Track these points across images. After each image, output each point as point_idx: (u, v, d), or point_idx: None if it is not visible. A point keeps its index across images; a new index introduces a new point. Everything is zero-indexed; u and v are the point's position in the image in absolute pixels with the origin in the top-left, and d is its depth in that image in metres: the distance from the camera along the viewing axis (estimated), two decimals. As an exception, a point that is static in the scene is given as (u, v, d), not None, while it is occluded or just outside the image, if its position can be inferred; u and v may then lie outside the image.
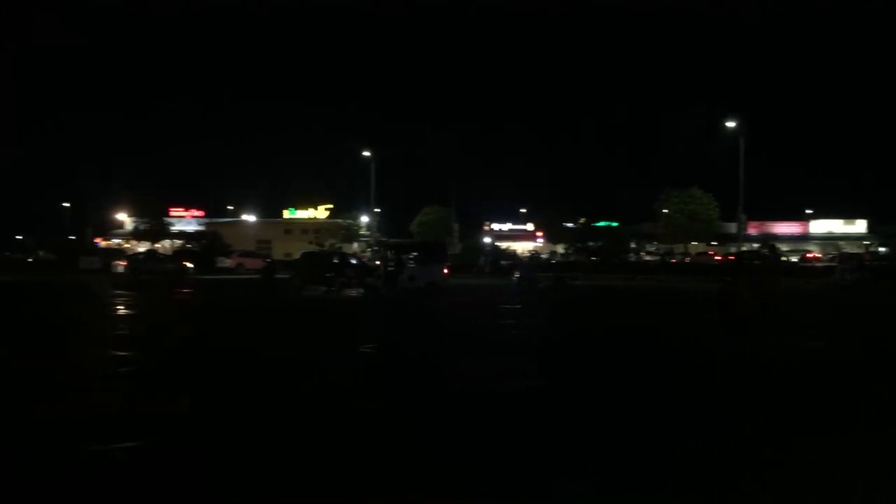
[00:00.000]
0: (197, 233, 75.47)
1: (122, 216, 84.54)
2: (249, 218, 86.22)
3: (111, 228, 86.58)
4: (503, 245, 71.83)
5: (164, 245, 75.45)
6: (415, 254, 29.99)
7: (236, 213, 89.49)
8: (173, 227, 78.99)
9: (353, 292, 28.62)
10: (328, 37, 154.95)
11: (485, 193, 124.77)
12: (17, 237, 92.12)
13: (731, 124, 52.68)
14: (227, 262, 55.98)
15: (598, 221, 72.62)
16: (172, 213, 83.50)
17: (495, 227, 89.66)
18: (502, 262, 49.72)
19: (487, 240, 77.22)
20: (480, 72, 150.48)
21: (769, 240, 69.29)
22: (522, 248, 75.99)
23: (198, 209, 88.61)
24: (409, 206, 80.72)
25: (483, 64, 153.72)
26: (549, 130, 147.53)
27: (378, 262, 31.16)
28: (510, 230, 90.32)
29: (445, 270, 29.73)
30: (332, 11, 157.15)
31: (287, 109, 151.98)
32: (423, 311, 21.75)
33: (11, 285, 33.39)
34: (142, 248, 73.40)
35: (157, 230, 74.90)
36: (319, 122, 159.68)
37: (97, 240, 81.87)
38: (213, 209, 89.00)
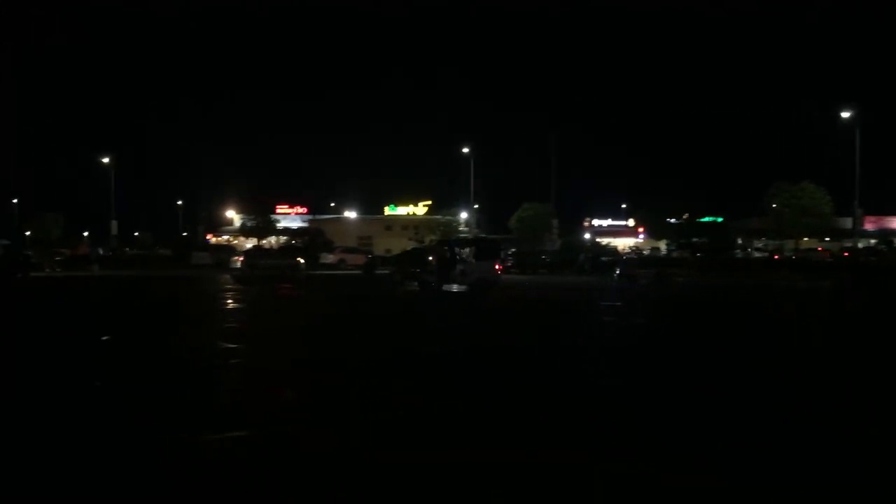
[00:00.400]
0: (301, 229, 77.65)
1: (231, 213, 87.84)
2: (351, 215, 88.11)
3: (221, 225, 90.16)
4: (603, 241, 70.74)
5: (270, 241, 77.99)
6: (467, 250, 29.94)
7: (338, 210, 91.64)
8: (279, 224, 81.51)
9: (455, 288, 28.84)
10: (441, 34, 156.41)
11: (586, 189, 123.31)
12: (135, 234, 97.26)
13: (846, 115, 50.28)
14: (330, 258, 57.38)
15: (703, 217, 70.52)
16: (278, 211, 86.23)
17: (595, 222, 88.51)
18: (602, 259, 48.95)
19: (587, 236, 76.16)
20: (585, 68, 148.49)
21: (888, 235, 65.79)
22: (623, 244, 74.65)
23: (302, 206, 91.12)
24: (509, 201, 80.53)
25: (587, 60, 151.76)
26: (652, 125, 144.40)
27: (430, 258, 31.49)
28: (610, 226, 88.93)
29: (498, 267, 29.89)
30: (448, 10, 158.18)
31: (389, 107, 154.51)
32: (497, 307, 21.72)
33: (149, 279, 35.36)
34: (249, 244, 76.19)
35: (263, 227, 77.42)
36: (421, 119, 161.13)
37: (208, 236, 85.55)
38: (316, 206, 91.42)
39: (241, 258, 39.50)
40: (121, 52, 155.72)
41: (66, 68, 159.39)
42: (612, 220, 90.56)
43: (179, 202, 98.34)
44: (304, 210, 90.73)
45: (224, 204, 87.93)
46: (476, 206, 72.29)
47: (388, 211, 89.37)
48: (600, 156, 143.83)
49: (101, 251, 63.20)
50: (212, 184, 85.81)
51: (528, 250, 56.79)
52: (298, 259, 40.28)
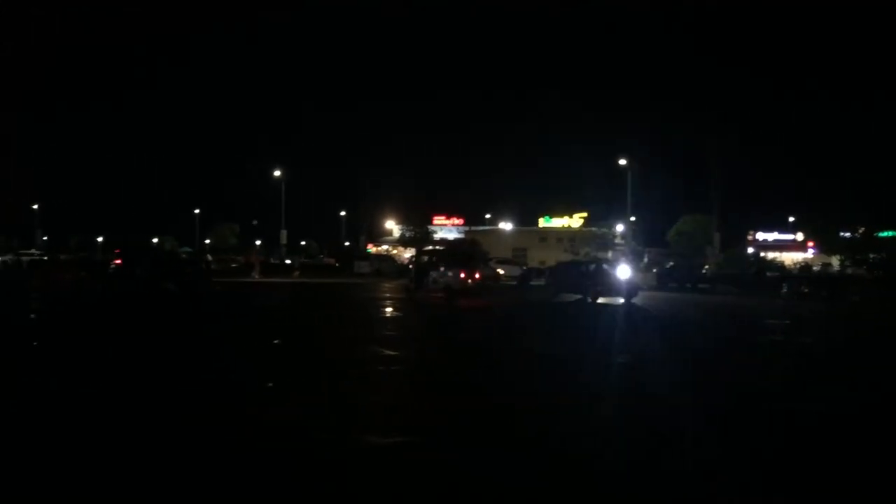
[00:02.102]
0: (457, 240, 79.15)
1: (391, 224, 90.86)
2: (506, 226, 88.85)
3: (381, 235, 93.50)
4: (769, 256, 67.39)
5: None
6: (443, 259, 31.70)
7: (494, 222, 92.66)
8: (435, 235, 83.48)
9: (601, 299, 28.69)
10: (603, 44, 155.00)
11: (748, 201, 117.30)
12: (302, 243, 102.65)
13: None
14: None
15: (881, 231, 65.54)
16: (435, 222, 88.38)
17: (760, 236, 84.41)
18: (768, 274, 46.71)
19: (751, 250, 72.77)
20: (752, 77, 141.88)
21: None
22: (791, 259, 70.79)
23: (458, 217, 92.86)
24: (668, 214, 78.40)
25: (750, 64, 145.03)
26: (820, 136, 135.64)
27: (410, 266, 35.38)
28: (776, 240, 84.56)
29: (478, 275, 31.02)
30: (614, 20, 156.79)
31: (546, 119, 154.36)
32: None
33: (326, 286, 37.39)
34: (407, 254, 78.57)
35: (421, 237, 79.55)
36: (579, 130, 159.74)
37: (369, 246, 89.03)
38: (472, 217, 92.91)
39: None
40: (286, 62, 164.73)
41: (240, 81, 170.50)
42: (779, 233, 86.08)
43: (342, 213, 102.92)
44: (461, 221, 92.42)
45: (384, 215, 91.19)
46: (633, 219, 70.95)
47: (542, 222, 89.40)
48: (763, 166, 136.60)
49: (299, 259, 69.04)
50: (373, 195, 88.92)
51: (685, 264, 55.06)
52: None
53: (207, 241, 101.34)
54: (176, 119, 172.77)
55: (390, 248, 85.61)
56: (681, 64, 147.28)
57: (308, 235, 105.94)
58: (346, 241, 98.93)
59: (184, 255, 56.84)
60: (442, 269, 30.00)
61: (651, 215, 75.09)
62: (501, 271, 49.88)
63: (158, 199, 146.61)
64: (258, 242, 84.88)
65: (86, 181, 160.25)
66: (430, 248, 49.66)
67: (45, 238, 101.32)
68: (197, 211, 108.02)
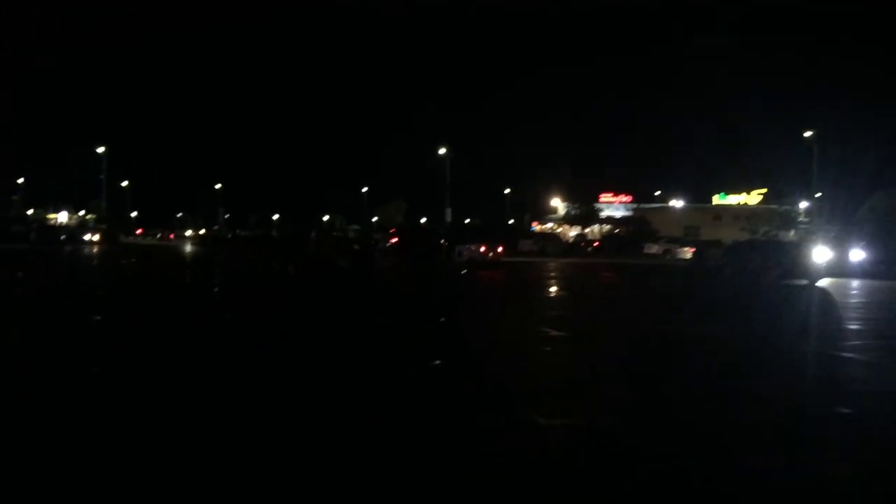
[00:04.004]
0: (624, 218, 76.70)
1: (556, 202, 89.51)
2: (677, 203, 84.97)
3: (545, 213, 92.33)
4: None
5: (593, 230, 78.05)
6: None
7: (664, 199, 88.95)
8: (602, 213, 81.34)
9: (785, 282, 26.24)
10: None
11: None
12: (465, 221, 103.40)
13: None
14: (654, 249, 55.60)
15: None
16: (601, 199, 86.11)
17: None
18: None
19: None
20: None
21: None
22: None
23: (626, 195, 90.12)
24: (857, 190, 71.76)
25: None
26: None
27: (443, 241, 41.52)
28: None
29: (500, 248, 39.48)
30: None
31: (721, 93, 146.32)
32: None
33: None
34: (572, 232, 77.00)
35: (586, 215, 77.75)
36: (756, 104, 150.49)
37: (533, 224, 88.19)
38: (641, 195, 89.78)
39: (692, 248, 40.70)
40: (458, 37, 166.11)
41: (406, 58, 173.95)
42: None
43: (507, 190, 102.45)
44: (629, 198, 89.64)
45: (548, 192, 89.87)
46: (818, 195, 65.45)
47: (717, 199, 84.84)
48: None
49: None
50: (537, 172, 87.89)
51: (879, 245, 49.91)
52: None
53: (374, 219, 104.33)
54: (343, 98, 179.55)
55: (554, 227, 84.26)
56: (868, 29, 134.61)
57: (473, 213, 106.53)
58: (511, 219, 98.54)
59: (352, 234, 58.58)
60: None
61: (841, 191, 69.07)
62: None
63: (327, 177, 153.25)
64: (423, 220, 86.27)
65: (260, 161, 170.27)
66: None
67: (227, 216, 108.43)
68: (365, 189, 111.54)
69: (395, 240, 42.59)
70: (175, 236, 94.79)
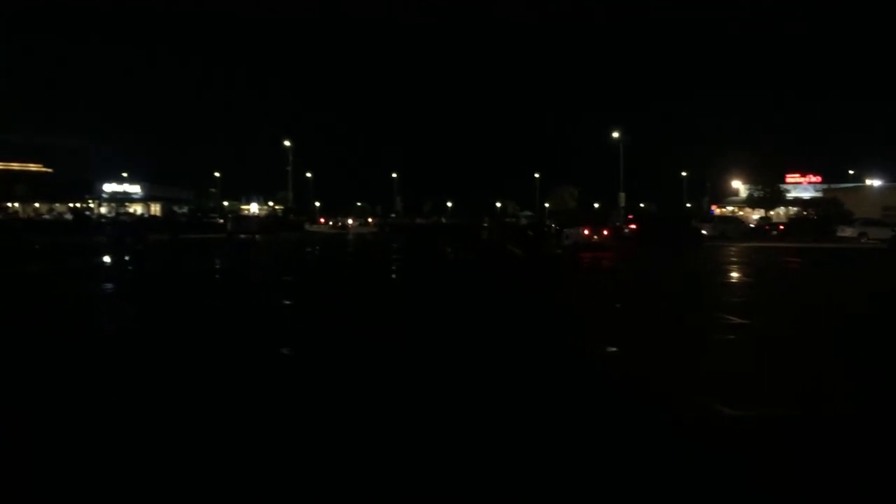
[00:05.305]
0: (813, 199, 72.09)
1: (737, 184, 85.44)
2: (874, 183, 78.45)
3: (726, 196, 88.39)
4: None
5: (778, 213, 73.98)
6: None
7: (859, 178, 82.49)
8: (788, 195, 76.87)
9: None
10: None
11: None
12: (640, 205, 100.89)
13: None
14: (848, 232, 51.67)
15: None
16: (788, 180, 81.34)
17: None
18: None
19: None
20: None
21: None
22: None
23: (815, 175, 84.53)
24: None
25: None
26: None
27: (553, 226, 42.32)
28: None
29: (605, 232, 39.35)
30: None
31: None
32: None
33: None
34: (755, 215, 73.36)
35: (771, 197, 73.75)
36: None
37: (713, 207, 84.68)
38: (832, 174, 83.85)
39: None
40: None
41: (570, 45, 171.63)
42: None
43: (683, 173, 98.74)
44: (818, 179, 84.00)
45: (730, 174, 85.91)
46: None
47: (921, 177, 77.70)
48: None
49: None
50: (718, 153, 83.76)
51: None
52: None
53: (546, 205, 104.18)
54: (513, 86, 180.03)
55: (736, 210, 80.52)
56: None
57: (647, 198, 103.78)
58: (688, 202, 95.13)
59: (523, 220, 59.02)
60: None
61: None
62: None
63: (500, 164, 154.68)
64: (596, 205, 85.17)
65: (434, 149, 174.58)
66: None
67: (402, 204, 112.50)
68: (537, 175, 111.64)
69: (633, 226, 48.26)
70: (357, 223, 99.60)
